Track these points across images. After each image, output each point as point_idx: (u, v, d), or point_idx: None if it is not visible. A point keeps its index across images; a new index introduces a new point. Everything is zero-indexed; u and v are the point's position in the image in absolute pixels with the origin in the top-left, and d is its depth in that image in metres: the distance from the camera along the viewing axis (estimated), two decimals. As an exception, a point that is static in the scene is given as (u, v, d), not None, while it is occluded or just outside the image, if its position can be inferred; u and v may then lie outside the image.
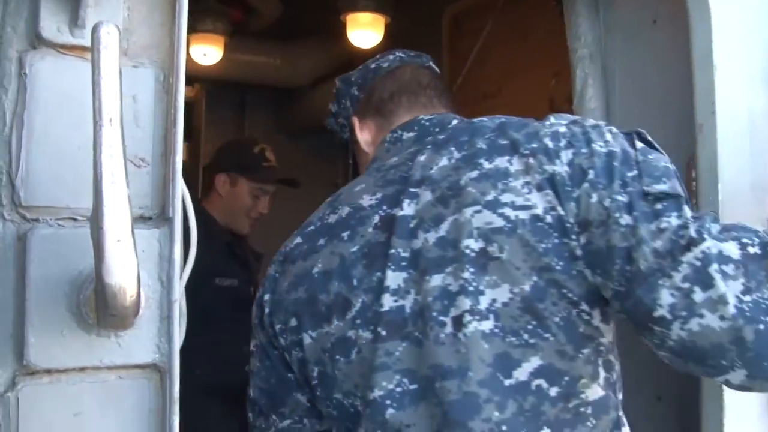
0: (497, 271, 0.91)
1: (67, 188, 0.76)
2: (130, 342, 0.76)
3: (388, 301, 0.97)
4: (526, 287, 0.90)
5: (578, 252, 0.89)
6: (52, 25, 0.76)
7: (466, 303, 0.91)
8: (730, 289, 0.82)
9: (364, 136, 1.24)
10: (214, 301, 2.15)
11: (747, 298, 0.81)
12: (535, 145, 0.95)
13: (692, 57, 1.33)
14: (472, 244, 0.92)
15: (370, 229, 1.03)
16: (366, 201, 1.07)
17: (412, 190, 1.01)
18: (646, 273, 0.84)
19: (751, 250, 0.84)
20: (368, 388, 0.96)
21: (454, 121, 1.11)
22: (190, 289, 1.94)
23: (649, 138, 0.96)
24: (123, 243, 0.64)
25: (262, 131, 4.67)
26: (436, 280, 0.94)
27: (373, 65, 1.29)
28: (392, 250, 0.98)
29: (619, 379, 0.97)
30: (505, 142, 0.97)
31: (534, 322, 0.90)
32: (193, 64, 3.58)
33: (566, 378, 0.90)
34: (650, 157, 0.92)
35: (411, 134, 1.14)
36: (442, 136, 1.06)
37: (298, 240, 1.12)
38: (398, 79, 1.23)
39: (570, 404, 0.91)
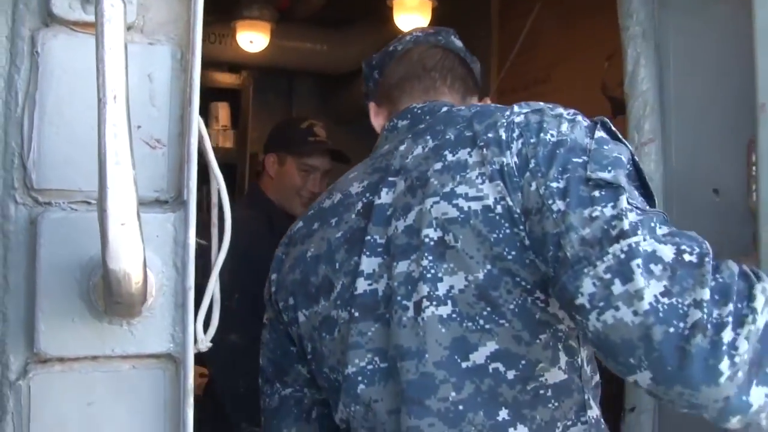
0: (453, 259, 0.95)
1: (80, 170, 0.73)
2: (144, 331, 0.73)
3: (362, 285, 1.03)
4: (480, 275, 0.94)
5: (526, 242, 0.92)
6: (63, 2, 0.73)
7: (424, 289, 0.96)
8: (650, 287, 0.80)
9: (378, 121, 1.26)
10: None
11: (665, 299, 0.79)
12: (490, 136, 0.97)
13: (754, 33, 1.24)
14: (431, 233, 0.97)
15: (353, 216, 1.09)
16: (354, 188, 1.13)
17: (391, 179, 1.06)
18: (572, 260, 0.85)
19: (687, 257, 0.82)
20: (344, 364, 1.04)
21: (444, 109, 1.12)
22: (259, 280, 1.88)
23: (613, 128, 0.96)
24: (127, 226, 0.60)
25: (311, 117, 4.67)
26: (402, 267, 1.00)
27: (390, 47, 1.29)
28: (368, 237, 1.04)
29: (590, 363, 0.99)
30: (469, 134, 1.00)
31: (489, 309, 0.94)
32: (240, 52, 3.58)
33: (523, 362, 0.94)
34: (605, 147, 0.91)
35: (405, 122, 1.15)
36: (421, 125, 1.10)
37: (300, 224, 1.20)
38: (406, 63, 1.24)
39: (528, 386, 0.94)
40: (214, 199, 1.23)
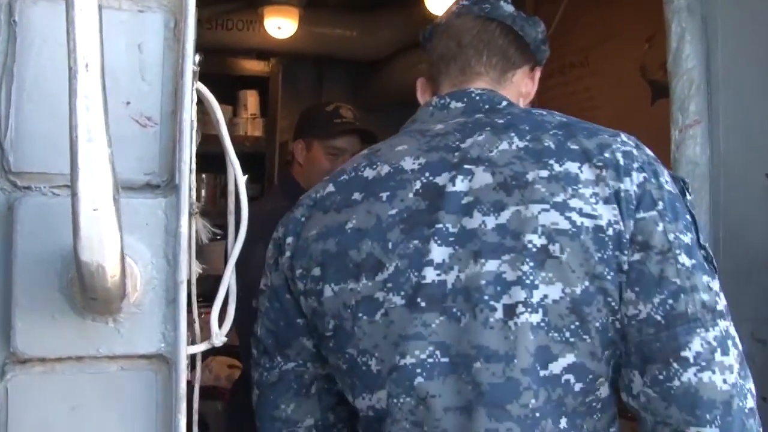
0: (554, 269, 0.95)
1: (62, 151, 0.66)
2: (132, 329, 0.66)
3: (431, 274, 0.99)
4: (578, 290, 0.95)
5: (625, 267, 0.95)
6: (42, -36, 0.66)
7: (521, 294, 0.95)
8: (735, 365, 0.94)
9: (423, 98, 1.23)
10: None
11: (740, 380, 0.94)
12: (607, 157, 0.98)
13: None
14: (535, 240, 0.96)
15: (411, 195, 1.04)
16: (408, 164, 1.07)
17: (467, 166, 1.02)
18: (691, 318, 0.93)
19: (740, 347, 0.97)
20: (397, 353, 1.00)
21: (504, 102, 1.12)
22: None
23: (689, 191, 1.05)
24: (101, 212, 0.53)
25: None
26: (491, 265, 0.97)
27: (438, 20, 1.25)
28: (439, 225, 1.00)
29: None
30: (575, 147, 0.99)
31: (577, 323, 0.96)
32: (268, 38, 3.51)
33: (590, 376, 0.97)
34: (694, 213, 1.00)
35: (459, 105, 1.13)
36: (500, 120, 1.07)
37: (331, 188, 1.12)
38: (445, 39, 1.21)
39: (587, 399, 0.98)
40: (231, 187, 1.15)
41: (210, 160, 3.84)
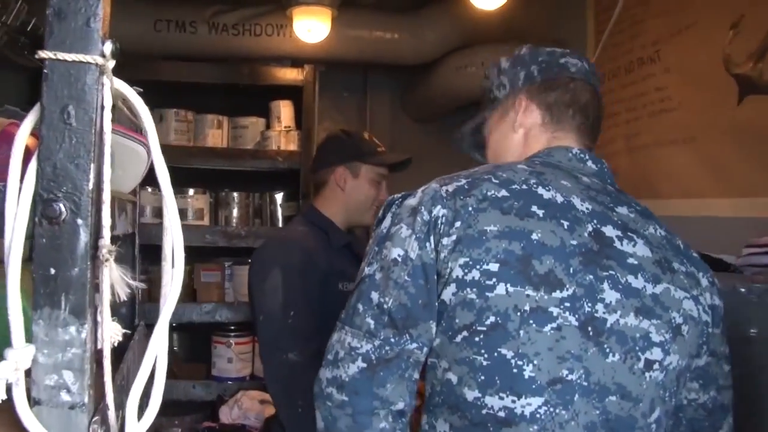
0: (679, 344, 1.20)
1: None
2: None
3: (600, 309, 1.15)
4: (683, 364, 1.21)
5: (701, 363, 1.27)
6: None
7: (659, 355, 1.18)
8: None
9: (525, 119, 1.38)
10: (340, 306, 1.92)
11: None
12: (710, 276, 1.28)
13: None
14: (677, 318, 1.19)
15: (586, 234, 1.18)
16: (578, 204, 1.21)
17: (630, 233, 1.22)
18: (728, 407, 1.30)
19: None
20: (564, 368, 1.12)
21: (615, 187, 1.32)
22: (315, 296, 2.02)
23: None
24: None
25: (388, 115, 4.26)
26: (644, 324, 1.17)
27: (562, 60, 1.38)
28: (612, 272, 1.17)
29: None
30: (693, 254, 1.29)
31: (674, 388, 1.22)
32: (301, 44, 3.22)
33: (664, 429, 1.23)
34: None
35: (593, 167, 1.31)
36: (635, 205, 1.28)
37: (505, 192, 1.19)
38: (578, 95, 1.36)
39: None
40: (166, 222, 0.86)
41: (241, 178, 3.55)
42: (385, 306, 1.16)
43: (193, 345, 3.77)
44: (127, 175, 1.09)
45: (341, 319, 1.21)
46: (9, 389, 0.76)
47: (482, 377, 1.12)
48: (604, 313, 1.14)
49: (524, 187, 1.19)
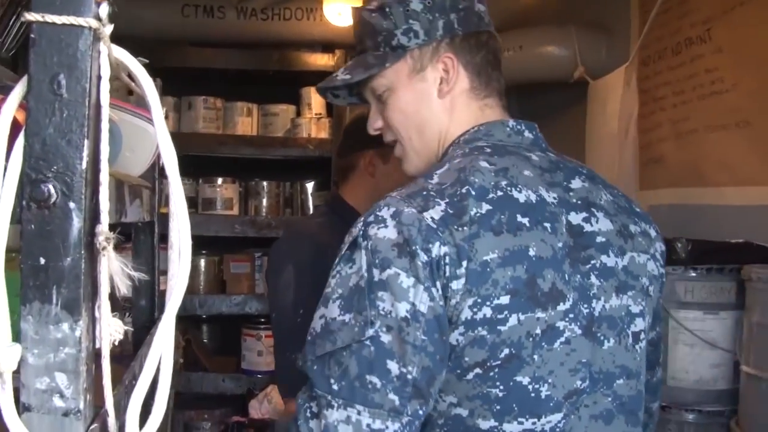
0: (648, 304, 1.21)
1: None
2: None
3: (598, 307, 1.12)
4: (648, 320, 1.22)
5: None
6: None
7: (641, 324, 1.18)
8: None
9: (454, 83, 1.21)
10: None
11: None
12: (655, 227, 1.28)
13: None
14: (645, 282, 1.19)
15: (564, 230, 1.10)
16: (547, 197, 1.11)
17: (592, 209, 1.16)
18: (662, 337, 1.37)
19: None
20: (578, 378, 1.09)
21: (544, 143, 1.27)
22: (320, 291, 1.88)
23: None
24: None
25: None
26: (624, 300, 1.16)
27: (477, 7, 1.22)
28: (590, 261, 1.12)
29: None
30: (637, 209, 1.26)
31: (645, 346, 1.22)
32: (332, 27, 3.12)
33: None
34: None
35: (530, 136, 1.22)
36: (582, 169, 1.22)
37: (487, 206, 1.05)
38: (497, 51, 1.25)
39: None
40: (172, 207, 0.78)
41: (271, 166, 3.48)
42: (409, 377, 0.98)
43: (223, 337, 3.72)
44: (136, 157, 1.01)
45: (339, 395, 0.98)
46: (-5, 394, 0.68)
47: (498, 407, 1.04)
48: (600, 308, 1.12)
49: (499, 193, 1.06)
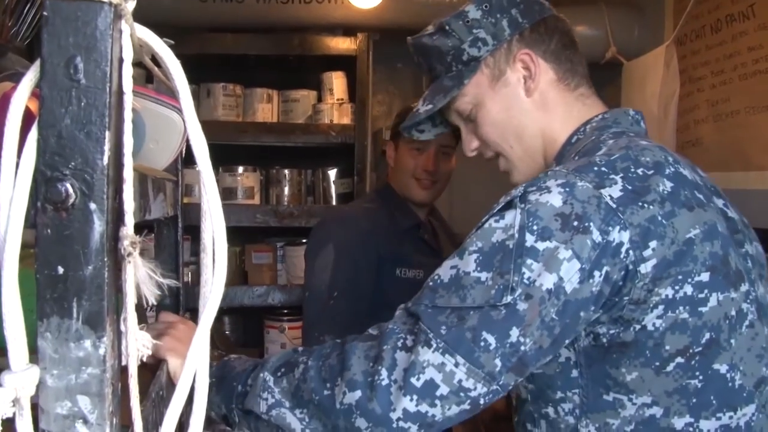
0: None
1: None
2: None
3: (759, 289, 1.06)
4: None
5: None
6: None
7: None
8: None
9: (537, 78, 1.17)
10: (395, 293, 1.79)
11: None
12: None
13: None
14: (766, 271, 1.13)
15: (720, 215, 1.05)
16: (699, 181, 1.08)
17: (723, 196, 1.12)
18: None
19: None
20: (763, 365, 1.02)
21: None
22: (366, 280, 1.97)
23: None
24: None
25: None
26: (761, 289, 1.08)
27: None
28: (746, 247, 1.08)
29: None
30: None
31: None
32: (354, 10, 3.02)
33: None
34: None
35: (645, 126, 1.21)
36: (684, 159, 1.13)
37: (670, 184, 1.01)
38: (569, 31, 1.21)
39: None
40: (204, 205, 0.69)
41: (293, 154, 3.39)
42: (522, 348, 0.93)
43: (245, 329, 3.65)
44: (161, 148, 0.92)
45: (445, 339, 0.92)
46: (12, 421, 0.60)
47: (694, 400, 0.98)
48: (758, 290, 1.07)
49: (672, 169, 1.03)
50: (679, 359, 0.97)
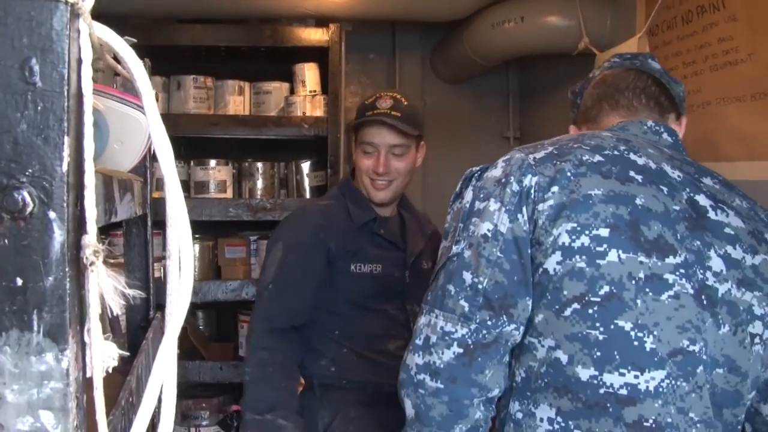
0: None
1: None
2: None
3: (711, 278, 1.12)
4: None
5: None
6: None
7: (760, 328, 1.15)
8: None
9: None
10: (350, 288, 2.00)
11: None
12: None
13: None
14: None
15: (684, 200, 1.16)
16: (669, 172, 1.18)
17: (721, 204, 1.18)
18: None
19: None
20: (685, 338, 1.09)
21: (670, 140, 1.32)
22: (317, 276, 2.02)
23: None
24: None
25: (418, 77, 4.01)
26: (747, 296, 1.14)
27: (591, 74, 1.45)
28: (716, 240, 1.14)
29: None
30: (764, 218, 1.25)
31: (760, 351, 1.17)
32: (323, 1, 2.99)
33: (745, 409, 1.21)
34: None
35: (669, 139, 1.30)
36: (719, 177, 1.25)
37: (599, 158, 1.15)
38: (600, 86, 1.38)
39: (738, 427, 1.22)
40: (169, 210, 0.65)
41: (265, 147, 3.35)
42: (480, 286, 1.11)
43: (219, 323, 3.62)
44: (126, 149, 0.89)
45: (428, 302, 1.16)
46: (-31, 439, 0.58)
47: (598, 353, 1.07)
48: (714, 282, 1.12)
49: (615, 152, 1.16)
50: (576, 305, 1.08)
